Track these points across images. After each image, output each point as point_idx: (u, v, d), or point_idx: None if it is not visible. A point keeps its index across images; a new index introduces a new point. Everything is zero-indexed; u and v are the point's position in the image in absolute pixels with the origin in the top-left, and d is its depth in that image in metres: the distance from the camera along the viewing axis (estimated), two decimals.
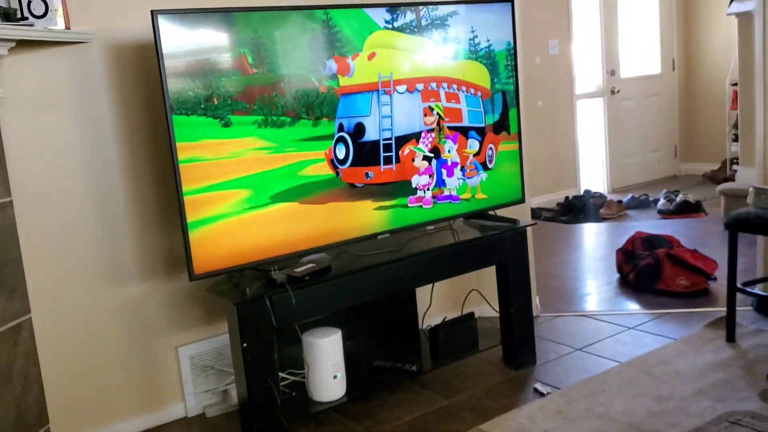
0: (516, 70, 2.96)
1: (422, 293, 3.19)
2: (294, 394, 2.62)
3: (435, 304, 3.26)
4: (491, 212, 3.02)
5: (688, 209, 5.74)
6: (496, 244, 2.89)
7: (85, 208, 2.56)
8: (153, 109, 2.61)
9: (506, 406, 2.64)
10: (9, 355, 2.35)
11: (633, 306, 3.70)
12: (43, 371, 2.49)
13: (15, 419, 2.35)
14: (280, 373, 2.47)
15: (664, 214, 5.82)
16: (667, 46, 7.30)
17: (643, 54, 7.24)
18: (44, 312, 2.49)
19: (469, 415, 2.61)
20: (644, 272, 3.89)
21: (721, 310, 3.18)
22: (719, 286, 3.75)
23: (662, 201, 5.98)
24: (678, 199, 5.90)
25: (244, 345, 2.29)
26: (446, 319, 2.99)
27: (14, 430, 2.35)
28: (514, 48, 2.95)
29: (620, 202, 6.17)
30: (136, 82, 2.59)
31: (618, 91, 6.97)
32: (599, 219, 5.89)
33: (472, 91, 2.84)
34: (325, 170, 2.52)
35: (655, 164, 7.41)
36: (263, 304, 2.30)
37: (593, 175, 7.02)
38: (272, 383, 2.34)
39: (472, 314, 3.01)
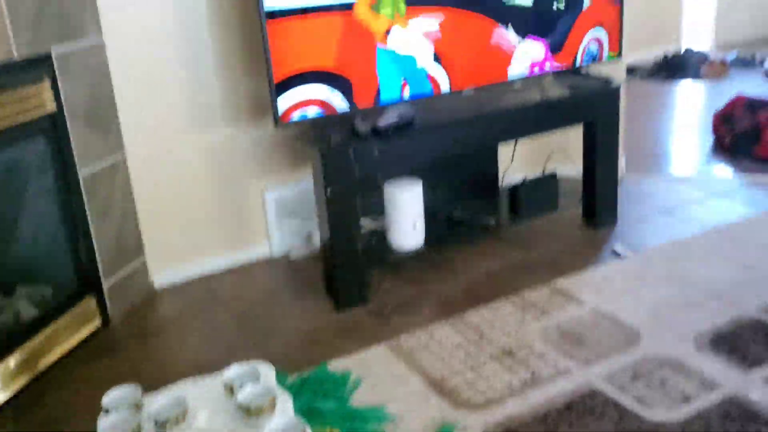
0: None
1: (504, 151, 3.14)
2: (374, 240, 2.69)
3: (516, 162, 3.20)
4: (583, 70, 2.87)
5: None
6: (586, 102, 2.78)
7: (174, 53, 2.58)
8: None
9: (583, 265, 2.65)
10: (108, 190, 2.48)
11: (726, 171, 3.55)
12: (138, 207, 2.64)
13: (115, 248, 2.53)
14: (361, 220, 2.52)
15: None
16: None
17: None
18: (137, 152, 2.59)
19: (546, 270, 2.63)
20: (742, 136, 3.70)
21: None
22: None
23: None
24: None
25: (328, 192, 2.33)
26: (527, 179, 2.96)
27: (115, 258, 2.53)
28: None
29: (723, 61, 5.77)
30: None
31: None
32: (699, 78, 5.55)
33: None
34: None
35: (767, 20, 6.82)
36: (347, 154, 2.31)
37: (697, 31, 6.54)
38: (354, 230, 2.40)
39: (553, 174, 2.96)
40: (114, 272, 2.53)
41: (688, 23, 6.45)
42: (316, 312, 2.49)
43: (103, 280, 2.47)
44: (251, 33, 2.64)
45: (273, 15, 2.18)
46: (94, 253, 2.43)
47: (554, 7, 2.67)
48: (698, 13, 6.52)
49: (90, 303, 2.42)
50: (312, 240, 2.94)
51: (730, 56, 5.88)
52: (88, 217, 2.39)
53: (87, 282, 2.42)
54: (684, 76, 5.60)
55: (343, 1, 2.26)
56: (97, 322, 2.44)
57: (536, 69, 2.71)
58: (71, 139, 2.30)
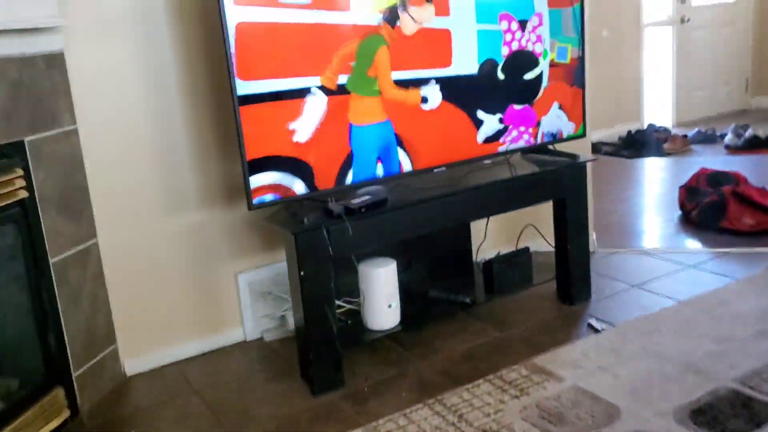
0: None
1: (477, 227, 3.18)
2: (349, 322, 2.67)
3: (489, 238, 3.24)
4: (550, 146, 2.95)
5: (757, 145, 5.53)
6: (554, 179, 2.84)
7: (147, 137, 2.61)
8: (213, 39, 2.61)
9: (560, 341, 2.65)
10: (79, 277, 2.45)
11: (694, 244, 3.61)
12: (109, 293, 2.60)
13: (85, 337, 2.48)
14: (336, 301, 2.51)
15: (732, 149, 5.62)
16: None
17: None
18: (109, 237, 2.58)
19: (522, 348, 2.62)
20: (707, 210, 3.79)
21: None
22: None
23: (730, 136, 5.76)
24: (747, 134, 5.67)
25: (302, 273, 2.33)
26: (500, 254, 2.98)
27: (85, 348, 2.47)
28: None
29: (685, 136, 5.97)
30: (195, 4, 2.58)
31: (688, 20, 6.66)
32: (662, 154, 5.72)
33: None
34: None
35: (724, 97, 7.12)
36: (320, 234, 2.32)
37: (658, 109, 6.79)
38: (328, 311, 2.39)
39: (526, 249, 2.99)
40: (84, 362, 2.47)
41: (650, 101, 6.69)
42: (291, 396, 2.45)
43: (72, 370, 2.40)
44: (224, 117, 2.69)
45: (247, 100, 2.22)
46: (64, 343, 2.37)
47: (517, 85, 2.76)
48: (658, 91, 6.78)
49: (59, 394, 2.35)
50: (286, 322, 2.91)
51: (691, 132, 6.08)
52: (59, 306, 2.35)
53: (56, 373, 2.36)
54: (648, 151, 5.76)
55: (313, 84, 2.32)
56: (65, 414, 2.36)
57: (502, 147, 2.77)
58: (42, 226, 2.28)
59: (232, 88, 2.20)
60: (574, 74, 2.90)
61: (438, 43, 2.54)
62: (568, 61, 2.87)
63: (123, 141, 2.57)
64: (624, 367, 2.40)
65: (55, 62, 2.33)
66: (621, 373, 2.36)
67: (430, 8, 2.50)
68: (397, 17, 2.43)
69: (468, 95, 2.64)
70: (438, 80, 2.56)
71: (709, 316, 2.72)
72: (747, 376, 2.26)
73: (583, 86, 2.94)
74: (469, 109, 2.66)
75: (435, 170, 2.64)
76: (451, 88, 2.59)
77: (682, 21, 6.63)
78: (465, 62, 2.61)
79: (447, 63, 2.57)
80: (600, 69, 5.37)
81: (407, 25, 2.46)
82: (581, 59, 2.91)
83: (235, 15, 2.16)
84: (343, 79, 2.37)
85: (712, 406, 2.12)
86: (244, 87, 2.20)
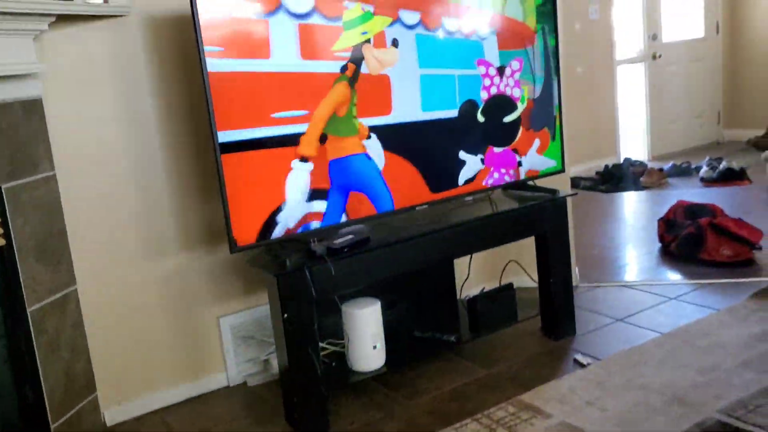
0: (557, 33, 2.90)
1: (460, 264, 3.18)
2: (334, 364, 2.64)
3: (473, 275, 3.25)
4: (530, 182, 2.98)
5: (731, 177, 5.62)
6: (535, 215, 2.86)
7: (126, 182, 2.60)
8: (192, 82, 2.62)
9: (546, 377, 2.64)
10: (57, 324, 2.41)
11: (674, 276, 3.64)
12: (89, 341, 2.56)
13: (64, 387, 2.42)
14: (320, 343, 2.48)
15: (707, 182, 5.70)
16: (710, 8, 7.09)
17: (686, 17, 7.04)
18: (89, 283, 2.55)
19: (509, 385, 2.61)
20: (686, 242, 3.83)
21: (767, 280, 3.11)
22: (764, 255, 3.68)
23: (705, 169, 5.85)
24: (721, 166, 5.77)
25: (285, 316, 2.31)
26: (484, 290, 2.98)
27: (64, 397, 2.42)
28: (554, 12, 2.88)
29: (661, 170, 6.06)
30: (174, 54, 2.60)
31: (660, 56, 6.81)
32: (639, 188, 5.79)
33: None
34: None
35: (697, 131, 7.25)
36: (303, 276, 2.31)
37: (633, 143, 6.90)
38: (312, 353, 2.36)
39: (510, 285, 2.99)
40: (63, 412, 2.41)
41: (625, 135, 6.80)
42: None
43: (51, 421, 2.35)
44: (204, 160, 2.69)
45: (227, 147, 2.22)
46: (42, 393, 2.32)
47: (499, 124, 2.80)
48: (633, 126, 6.89)
49: None
50: (270, 366, 2.87)
51: (667, 166, 6.17)
52: (36, 355, 2.30)
53: (33, 424, 2.30)
54: (625, 185, 5.84)
55: (294, 132, 2.33)
56: None
57: (483, 183, 2.79)
58: (20, 273, 2.25)
59: (213, 135, 2.19)
60: (530, 118, 2.88)
61: (379, 90, 2.49)
62: (524, 104, 2.86)
63: (103, 186, 2.55)
64: (611, 401, 2.39)
65: (33, 108, 2.32)
66: (608, 407, 2.35)
67: (393, 51, 2.50)
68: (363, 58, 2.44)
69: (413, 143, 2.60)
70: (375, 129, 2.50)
71: (692, 348, 2.73)
72: (732, 407, 2.26)
73: (549, 126, 2.96)
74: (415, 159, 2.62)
75: (417, 208, 2.64)
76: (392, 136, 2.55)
77: (654, 57, 6.78)
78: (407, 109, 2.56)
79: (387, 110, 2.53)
80: (575, 105, 5.45)
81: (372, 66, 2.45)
82: (538, 101, 2.88)
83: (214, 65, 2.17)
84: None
85: None
86: (224, 136, 2.21)
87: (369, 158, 2.49)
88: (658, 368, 2.59)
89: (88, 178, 2.52)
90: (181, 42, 2.59)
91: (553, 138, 2.97)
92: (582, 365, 2.71)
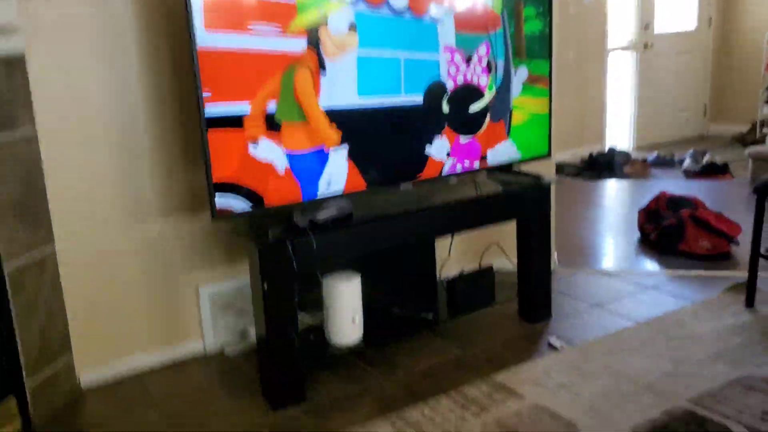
0: (551, 17, 2.88)
1: (441, 245, 3.19)
2: (312, 337, 2.65)
3: (453, 256, 3.26)
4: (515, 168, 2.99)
5: (714, 171, 5.67)
6: (518, 199, 2.87)
7: (108, 144, 2.56)
8: (178, 44, 2.59)
9: (521, 359, 2.66)
10: (35, 284, 2.39)
11: (653, 266, 3.68)
12: (66, 302, 2.54)
13: (39, 347, 2.41)
14: (298, 316, 2.49)
15: (690, 174, 5.75)
16: (704, 1, 7.10)
17: (679, 9, 7.05)
18: (68, 245, 2.53)
19: (484, 366, 2.63)
20: (666, 233, 3.87)
21: (742, 274, 3.16)
22: (741, 250, 3.72)
23: (688, 161, 5.90)
24: (704, 160, 5.82)
25: (265, 286, 2.31)
26: (464, 272, 3.00)
27: (39, 357, 2.41)
28: None
29: (645, 160, 6.10)
30: (161, 11, 2.56)
31: (651, 46, 6.82)
32: (623, 176, 5.83)
33: None
34: None
35: (683, 123, 7.29)
36: (285, 248, 2.31)
37: (618, 132, 6.93)
38: (291, 326, 2.37)
39: (490, 267, 3.01)
40: (38, 371, 2.40)
41: (611, 124, 6.82)
42: (251, 411, 2.41)
43: (25, 379, 2.34)
44: (188, 126, 2.66)
45: (213, 121, 2.18)
46: (17, 352, 2.31)
47: (487, 106, 2.79)
48: (619, 115, 6.92)
49: (10, 404, 2.28)
50: (247, 336, 2.88)
51: (651, 156, 6.21)
52: (12, 314, 2.28)
53: (8, 382, 2.29)
54: (609, 174, 5.87)
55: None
56: (17, 425, 2.30)
57: (468, 165, 2.78)
58: None
59: (200, 108, 2.16)
60: (493, 109, 2.77)
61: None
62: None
63: (85, 146, 2.52)
64: (584, 386, 2.43)
65: (15, 65, 2.28)
66: (581, 391, 2.38)
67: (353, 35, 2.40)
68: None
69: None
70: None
71: (666, 338, 2.77)
72: (701, 397, 2.30)
73: (549, 104, 2.95)
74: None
75: (401, 187, 2.64)
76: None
77: (645, 47, 6.79)
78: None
79: None
80: (565, 92, 5.45)
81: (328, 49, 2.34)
82: (500, 92, 2.78)
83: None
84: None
85: (667, 425, 2.15)
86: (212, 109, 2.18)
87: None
88: (632, 356, 2.63)
89: (70, 138, 2.49)
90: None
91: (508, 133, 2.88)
92: (555, 348, 2.74)
